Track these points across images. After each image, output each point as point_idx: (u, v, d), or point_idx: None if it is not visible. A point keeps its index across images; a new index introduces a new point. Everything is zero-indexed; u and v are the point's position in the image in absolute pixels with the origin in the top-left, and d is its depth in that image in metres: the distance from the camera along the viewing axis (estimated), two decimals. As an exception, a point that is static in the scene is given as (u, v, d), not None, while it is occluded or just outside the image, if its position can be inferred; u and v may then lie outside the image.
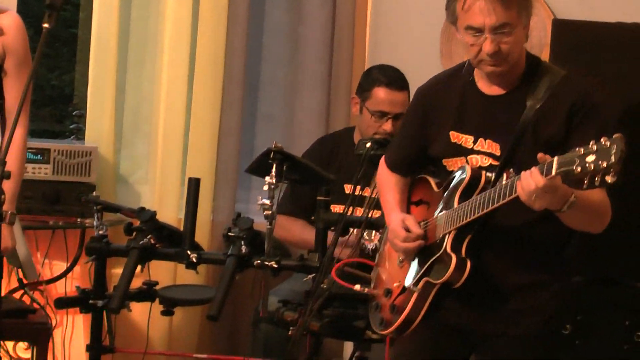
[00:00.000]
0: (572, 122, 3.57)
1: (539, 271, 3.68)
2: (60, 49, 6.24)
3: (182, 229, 4.93)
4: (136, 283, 4.76)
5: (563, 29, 4.79)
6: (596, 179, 3.09)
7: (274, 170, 4.69)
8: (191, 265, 4.75)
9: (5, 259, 4.71)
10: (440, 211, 3.74)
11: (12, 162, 3.86)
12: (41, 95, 6.40)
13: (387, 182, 4.04)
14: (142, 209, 4.84)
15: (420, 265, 3.74)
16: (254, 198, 5.05)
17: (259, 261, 4.60)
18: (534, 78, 3.71)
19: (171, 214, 5.65)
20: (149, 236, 4.71)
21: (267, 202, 4.65)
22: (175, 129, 5.87)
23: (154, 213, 4.81)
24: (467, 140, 3.75)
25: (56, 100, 6.55)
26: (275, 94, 6.14)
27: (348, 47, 5.82)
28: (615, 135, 3.08)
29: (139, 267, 4.72)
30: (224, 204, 5.90)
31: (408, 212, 3.92)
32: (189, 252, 4.73)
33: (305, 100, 5.86)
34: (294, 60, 6.02)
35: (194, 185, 4.92)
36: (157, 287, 4.94)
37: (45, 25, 3.75)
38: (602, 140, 3.08)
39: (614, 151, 3.07)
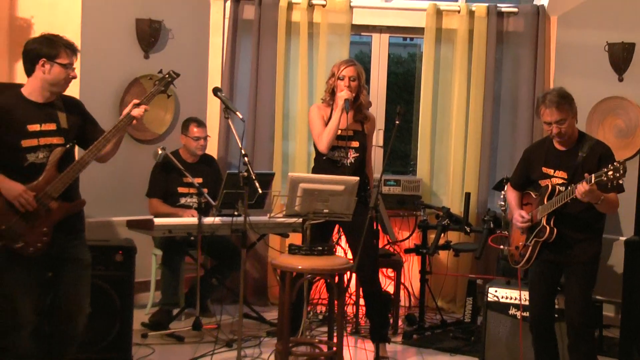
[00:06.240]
0: (599, 163, 3.63)
1: (585, 232, 3.75)
2: (405, 132, 6.21)
3: (462, 216, 5.14)
4: (441, 242, 5.03)
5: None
6: (615, 182, 3.34)
7: (506, 187, 4.46)
8: (467, 233, 5.01)
9: (380, 229, 4.87)
10: (538, 207, 3.79)
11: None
12: (395, 156, 6.43)
13: (512, 195, 4.07)
14: (444, 207, 5.15)
15: (531, 233, 3.81)
16: (498, 200, 5.20)
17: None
18: (582, 141, 3.76)
19: (458, 209, 5.60)
20: (446, 220, 5.00)
21: (503, 203, 4.69)
22: (458, 169, 5.82)
23: (449, 209, 5.12)
24: (551, 171, 3.81)
25: (402, 157, 6.48)
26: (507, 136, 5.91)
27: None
28: (622, 161, 3.35)
29: (442, 234, 5.02)
30: (481, 204, 5.80)
31: (522, 209, 3.95)
32: (466, 227, 5.00)
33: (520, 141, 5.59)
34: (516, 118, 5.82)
35: (467, 197, 5.21)
36: (452, 243, 5.18)
37: (397, 122, 4.04)
38: (615, 163, 3.34)
39: (622, 169, 3.32)
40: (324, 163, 4.38)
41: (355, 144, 4.38)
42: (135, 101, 3.47)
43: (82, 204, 3.43)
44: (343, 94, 4.27)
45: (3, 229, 3.22)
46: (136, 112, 3.41)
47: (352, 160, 4.36)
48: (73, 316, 3.41)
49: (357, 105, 4.40)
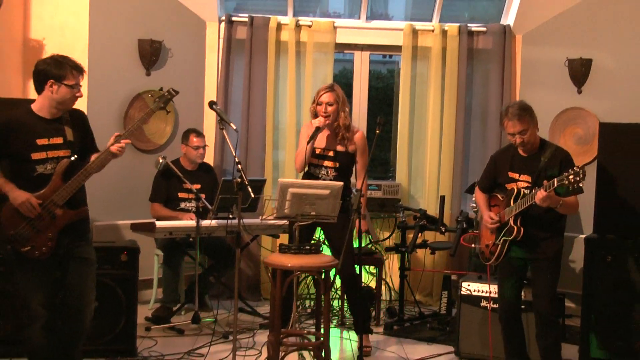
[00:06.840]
0: (561, 168, 3.61)
1: (548, 231, 3.73)
2: (385, 141, 6.14)
3: (437, 217, 5.10)
4: (419, 241, 4.98)
5: (607, 129, 4.34)
6: (576, 185, 3.33)
7: (477, 188, 4.29)
8: (442, 233, 4.99)
9: (364, 232, 4.74)
10: (505, 208, 3.77)
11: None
12: (376, 163, 6.40)
13: (480, 197, 4.02)
14: (421, 209, 5.14)
15: (500, 232, 3.79)
16: (470, 202, 5.12)
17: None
18: (544, 148, 3.74)
19: (433, 210, 5.52)
20: (423, 220, 4.97)
21: (475, 205, 4.63)
22: (434, 175, 5.82)
23: (425, 211, 5.11)
24: (516, 175, 3.79)
25: (382, 164, 6.41)
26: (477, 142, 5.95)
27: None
28: (581, 166, 3.36)
29: (420, 234, 4.97)
30: (455, 206, 5.72)
31: (490, 210, 3.92)
32: (441, 227, 4.96)
33: (489, 149, 5.69)
34: (486, 128, 5.85)
35: (442, 199, 5.17)
36: (428, 242, 5.10)
37: (377, 132, 3.98)
38: (575, 168, 3.34)
39: (581, 173, 3.32)
40: (306, 176, 4.40)
41: (334, 164, 4.34)
42: (117, 134, 3.38)
43: (85, 211, 3.41)
44: (315, 122, 4.26)
45: (12, 234, 3.22)
46: (114, 148, 3.32)
47: (332, 178, 4.32)
48: (80, 310, 3.39)
49: (336, 127, 4.33)
